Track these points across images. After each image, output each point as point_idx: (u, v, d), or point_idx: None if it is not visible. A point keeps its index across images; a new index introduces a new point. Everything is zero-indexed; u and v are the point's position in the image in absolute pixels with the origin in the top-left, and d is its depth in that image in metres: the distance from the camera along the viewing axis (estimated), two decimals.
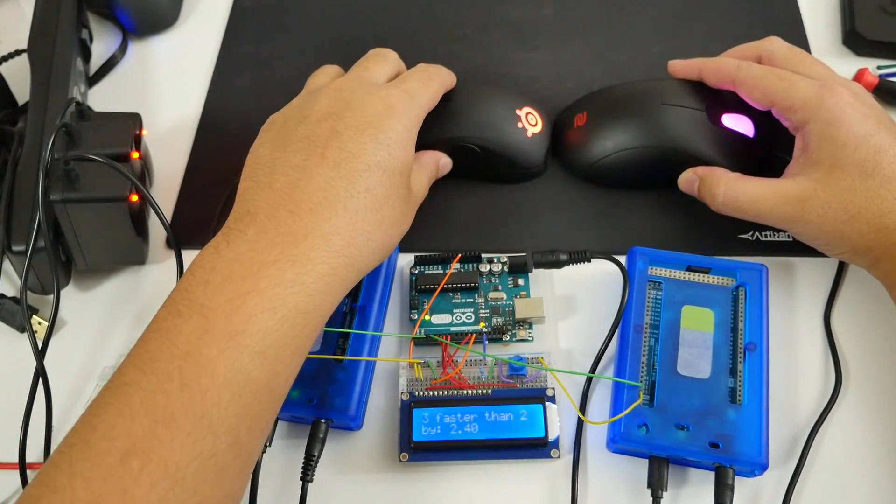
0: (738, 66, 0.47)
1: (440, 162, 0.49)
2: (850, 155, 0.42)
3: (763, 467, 0.39)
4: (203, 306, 0.35)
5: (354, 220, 0.39)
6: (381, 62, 0.47)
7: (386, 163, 0.40)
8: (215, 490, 0.33)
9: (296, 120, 0.42)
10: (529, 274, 0.47)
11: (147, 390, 0.32)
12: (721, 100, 0.49)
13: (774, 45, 0.48)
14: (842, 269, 0.48)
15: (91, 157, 0.44)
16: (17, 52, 0.57)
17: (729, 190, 0.45)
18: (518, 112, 0.50)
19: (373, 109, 0.41)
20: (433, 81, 0.46)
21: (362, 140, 0.40)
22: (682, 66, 0.50)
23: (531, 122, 0.50)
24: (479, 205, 0.51)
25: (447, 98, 0.49)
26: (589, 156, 0.50)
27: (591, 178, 0.51)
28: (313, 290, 0.37)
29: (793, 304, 0.47)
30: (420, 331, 0.45)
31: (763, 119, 0.48)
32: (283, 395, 0.37)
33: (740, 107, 0.49)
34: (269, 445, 0.42)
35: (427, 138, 0.48)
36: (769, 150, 0.49)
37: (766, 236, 0.49)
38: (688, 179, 0.48)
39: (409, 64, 0.58)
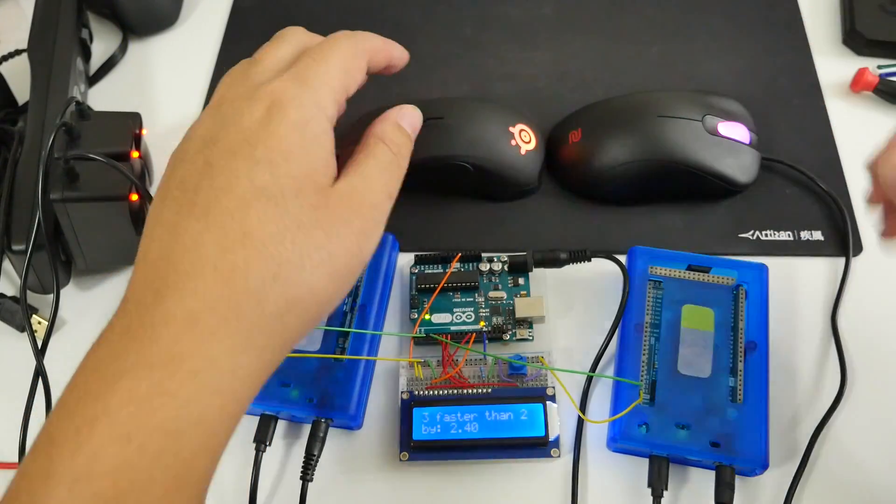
0: None
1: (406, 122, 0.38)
2: None
3: (764, 466, 0.39)
4: (51, 437, 0.28)
5: (230, 282, 0.29)
6: (278, 45, 0.37)
7: (271, 185, 0.30)
8: None
9: (178, 157, 0.33)
10: (529, 273, 0.47)
11: None
12: (716, 109, 0.49)
13: None
14: (847, 268, 0.47)
15: (91, 156, 0.44)
16: (17, 52, 0.57)
17: None
18: (511, 129, 0.49)
19: (250, 118, 0.32)
20: (335, 50, 0.36)
21: (234, 165, 0.31)
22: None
23: (524, 140, 0.49)
24: (475, 218, 0.51)
25: (439, 115, 0.49)
26: (586, 172, 0.49)
27: (589, 195, 0.50)
28: (184, 399, 0.28)
29: (794, 304, 0.47)
30: (420, 330, 0.44)
31: (759, 125, 0.49)
32: None
33: (734, 115, 0.49)
34: (269, 445, 0.42)
35: (417, 157, 0.48)
36: (767, 156, 0.50)
37: (766, 235, 0.49)
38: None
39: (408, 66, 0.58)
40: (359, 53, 0.37)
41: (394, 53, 0.40)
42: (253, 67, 0.36)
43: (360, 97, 0.56)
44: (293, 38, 0.37)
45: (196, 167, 0.31)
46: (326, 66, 0.35)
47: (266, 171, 0.31)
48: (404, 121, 0.38)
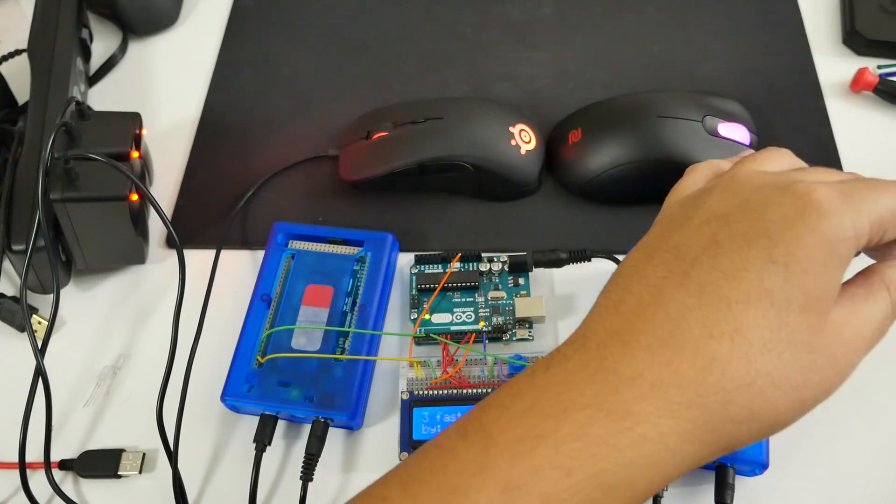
0: None
1: None
2: None
3: (764, 466, 0.39)
4: (490, 436, 0.29)
5: (707, 371, 0.28)
6: (778, 156, 0.34)
7: (779, 292, 0.28)
8: None
9: (679, 220, 0.32)
10: (530, 273, 0.47)
11: None
12: (716, 110, 0.49)
13: None
14: None
15: (91, 156, 0.44)
16: (17, 52, 0.57)
17: None
18: (511, 129, 0.49)
19: (777, 212, 0.29)
20: (887, 189, 0.30)
21: (746, 255, 0.29)
22: None
23: (525, 140, 0.50)
24: (475, 218, 0.51)
25: (439, 115, 0.49)
26: (586, 172, 0.49)
27: (589, 195, 0.50)
28: (626, 459, 0.28)
29: None
30: (420, 330, 0.44)
31: (759, 125, 0.49)
32: None
33: (734, 116, 0.49)
34: (269, 445, 0.42)
35: (417, 157, 0.48)
36: None
37: None
38: None
39: (402, 67, 0.58)
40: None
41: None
42: (783, 157, 0.34)
43: (359, 97, 0.56)
44: (788, 155, 0.35)
45: (699, 238, 0.30)
46: (880, 197, 0.30)
47: (779, 276, 0.28)
48: None
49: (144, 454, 0.43)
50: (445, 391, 0.42)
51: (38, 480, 0.42)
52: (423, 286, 0.46)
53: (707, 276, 0.29)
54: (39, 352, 0.43)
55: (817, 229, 0.29)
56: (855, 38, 0.57)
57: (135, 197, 0.45)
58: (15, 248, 0.45)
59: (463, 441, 0.29)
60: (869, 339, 0.31)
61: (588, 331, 0.31)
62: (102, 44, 0.60)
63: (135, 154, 0.47)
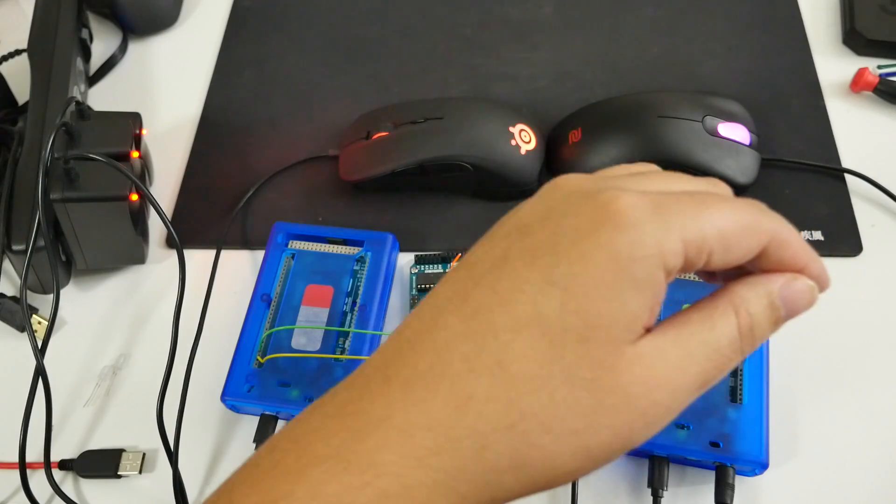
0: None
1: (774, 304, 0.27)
2: None
3: (764, 466, 0.39)
4: (231, 496, 0.25)
5: (461, 412, 0.24)
6: (635, 165, 0.31)
7: (555, 320, 0.24)
8: None
9: (490, 231, 0.28)
10: None
11: None
12: (716, 110, 0.49)
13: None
14: None
15: (91, 156, 0.44)
16: (17, 52, 0.57)
17: None
18: (511, 129, 0.49)
19: (574, 222, 0.25)
20: (727, 204, 0.27)
21: (526, 274, 0.25)
22: None
23: (524, 140, 0.50)
24: (475, 218, 0.51)
25: (439, 115, 0.49)
26: (586, 172, 0.49)
27: None
28: None
29: None
30: None
31: (759, 125, 0.49)
32: None
33: (734, 116, 0.49)
34: None
35: (417, 157, 0.48)
36: (766, 156, 0.50)
37: None
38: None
39: (402, 67, 0.58)
40: (753, 229, 0.27)
41: (809, 267, 0.28)
42: (624, 169, 0.29)
43: (359, 97, 0.56)
44: (673, 174, 0.29)
45: (493, 253, 0.26)
46: (704, 212, 0.26)
47: (556, 300, 0.24)
48: (788, 299, 0.27)
49: (144, 454, 0.43)
50: None
51: (38, 480, 0.42)
52: (423, 286, 0.46)
53: (484, 298, 0.25)
54: (39, 352, 0.43)
55: (608, 245, 0.24)
56: (855, 38, 0.57)
57: (135, 197, 0.45)
58: (15, 248, 0.45)
59: (214, 499, 0.25)
60: (696, 375, 0.25)
61: (367, 363, 0.27)
62: (102, 44, 0.60)
63: (135, 154, 0.47)
